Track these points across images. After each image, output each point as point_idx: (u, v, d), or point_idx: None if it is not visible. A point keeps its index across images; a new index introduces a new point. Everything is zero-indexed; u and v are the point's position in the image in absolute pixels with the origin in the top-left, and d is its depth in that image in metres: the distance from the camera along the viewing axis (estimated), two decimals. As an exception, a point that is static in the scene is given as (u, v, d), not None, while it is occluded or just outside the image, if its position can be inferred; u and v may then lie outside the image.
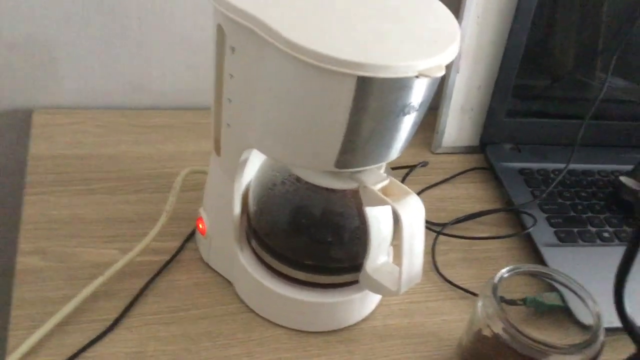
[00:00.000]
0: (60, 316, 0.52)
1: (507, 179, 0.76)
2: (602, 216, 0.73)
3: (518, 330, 0.46)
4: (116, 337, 0.53)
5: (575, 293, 0.51)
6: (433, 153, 0.82)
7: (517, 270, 0.51)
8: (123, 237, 0.62)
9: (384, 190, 0.47)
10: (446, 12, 0.46)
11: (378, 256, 0.52)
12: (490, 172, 0.79)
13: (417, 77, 0.40)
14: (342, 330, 0.57)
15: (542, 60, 0.79)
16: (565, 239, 0.69)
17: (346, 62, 0.38)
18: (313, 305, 0.55)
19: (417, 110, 0.44)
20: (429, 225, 0.69)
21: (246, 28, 0.41)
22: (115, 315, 0.54)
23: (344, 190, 0.51)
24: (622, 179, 0.47)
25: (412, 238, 0.47)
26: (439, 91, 0.77)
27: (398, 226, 0.47)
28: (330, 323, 0.56)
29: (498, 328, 0.48)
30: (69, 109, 0.78)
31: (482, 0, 0.73)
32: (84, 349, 0.51)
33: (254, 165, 0.56)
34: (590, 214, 0.73)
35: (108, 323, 0.54)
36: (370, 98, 0.40)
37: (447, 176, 0.78)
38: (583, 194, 0.76)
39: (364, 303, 0.57)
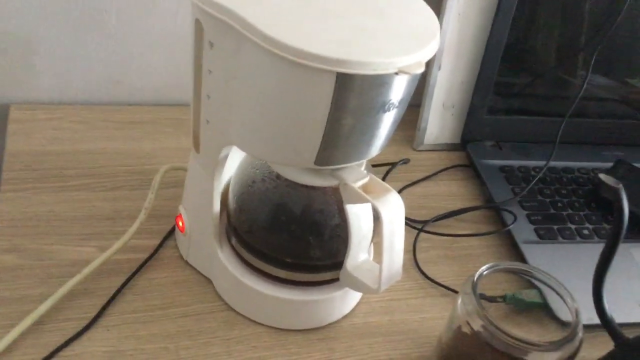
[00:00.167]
0: (37, 315, 0.51)
1: (488, 177, 0.76)
2: (581, 213, 0.73)
3: (497, 328, 0.46)
4: (94, 335, 0.52)
5: (555, 290, 0.51)
6: (415, 150, 0.82)
7: (497, 268, 0.51)
8: (101, 234, 0.61)
9: (364, 187, 0.47)
10: (426, 9, 0.46)
11: (358, 254, 0.52)
12: (471, 169, 0.79)
13: (396, 73, 0.39)
14: (322, 328, 0.57)
15: (523, 57, 0.79)
16: (545, 236, 0.69)
17: (325, 59, 0.38)
18: (293, 303, 0.54)
19: (397, 107, 0.44)
20: (410, 222, 0.69)
21: (224, 23, 0.40)
22: (93, 313, 0.54)
23: (324, 188, 0.51)
24: (601, 176, 0.47)
25: (393, 235, 0.47)
26: (421, 88, 0.77)
27: (378, 224, 0.47)
28: (311, 321, 0.56)
29: (477, 325, 0.48)
30: (46, 105, 0.77)
31: (463, -3, 0.73)
32: (61, 347, 0.51)
33: (234, 162, 0.55)
34: (570, 211, 0.73)
35: (86, 322, 0.53)
36: (350, 95, 0.40)
37: (429, 173, 0.78)
38: (563, 192, 0.76)
39: (344, 301, 0.57)
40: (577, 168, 0.81)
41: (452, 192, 0.76)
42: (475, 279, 0.50)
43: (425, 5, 0.46)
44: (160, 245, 0.61)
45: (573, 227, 0.71)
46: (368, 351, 0.55)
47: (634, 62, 0.83)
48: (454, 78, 0.78)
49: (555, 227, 0.70)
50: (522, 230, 0.69)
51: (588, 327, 0.52)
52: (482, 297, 0.52)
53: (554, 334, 0.52)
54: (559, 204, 0.74)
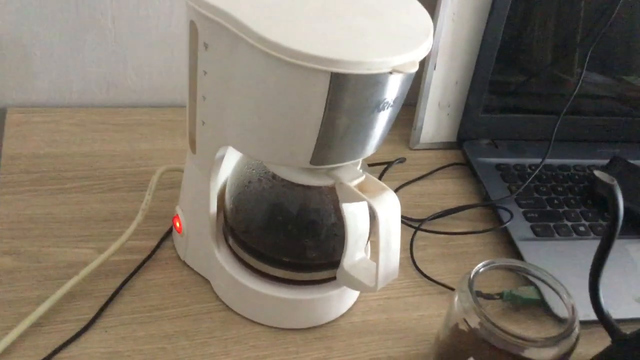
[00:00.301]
0: (35, 317, 0.52)
1: (484, 175, 0.76)
2: (577, 210, 0.74)
3: (494, 325, 0.47)
4: (92, 337, 0.52)
5: (551, 287, 0.51)
6: (411, 149, 0.82)
7: (493, 265, 0.52)
8: (98, 236, 0.61)
9: (360, 186, 0.47)
10: (419, 8, 0.46)
11: (355, 253, 0.52)
12: (467, 167, 0.79)
13: (391, 73, 0.40)
14: (320, 327, 0.57)
15: (518, 56, 0.80)
16: (541, 233, 0.69)
17: (319, 59, 0.38)
18: (291, 303, 0.54)
19: (392, 106, 0.44)
20: (407, 221, 0.69)
21: (218, 24, 0.41)
22: (90, 315, 0.54)
23: (320, 187, 0.51)
24: (596, 173, 0.47)
25: (389, 234, 0.47)
26: (416, 88, 0.78)
27: (375, 222, 0.47)
28: (308, 320, 0.56)
29: (474, 322, 0.48)
30: (43, 108, 0.77)
31: (458, -4, 0.73)
32: (59, 349, 0.51)
33: (230, 162, 0.56)
34: (566, 208, 0.74)
35: (83, 323, 0.53)
36: (345, 94, 0.40)
37: (425, 172, 0.78)
38: (559, 189, 0.76)
39: (341, 299, 0.57)
40: (573, 165, 0.81)
41: (448, 191, 0.76)
42: (471, 276, 0.50)
43: (418, 4, 0.46)
44: (158, 246, 0.61)
45: (569, 224, 0.71)
46: (366, 349, 0.56)
47: (630, 59, 0.84)
48: (449, 77, 0.78)
49: (552, 224, 0.71)
50: (519, 227, 0.69)
51: (585, 323, 0.52)
52: (479, 294, 0.52)
53: (551, 331, 0.52)
54: (555, 201, 0.74)
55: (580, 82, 0.75)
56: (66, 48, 0.74)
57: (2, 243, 0.59)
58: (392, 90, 0.42)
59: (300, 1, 0.43)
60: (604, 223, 0.72)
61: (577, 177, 0.79)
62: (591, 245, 0.53)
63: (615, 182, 0.46)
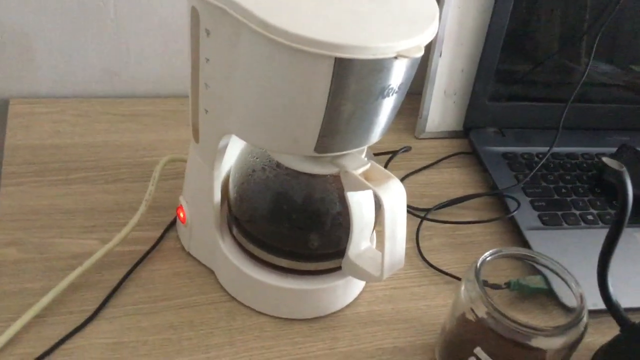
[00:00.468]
0: (39, 308, 0.51)
1: (490, 163, 0.75)
2: (585, 199, 0.73)
3: (501, 314, 0.46)
4: (96, 328, 0.52)
5: (559, 276, 0.51)
6: (417, 138, 0.81)
7: (500, 254, 0.51)
8: (102, 227, 0.61)
9: (365, 174, 0.47)
10: (425, -7, 0.45)
11: (361, 242, 0.51)
12: (474, 156, 0.78)
13: (395, 58, 0.39)
14: (326, 317, 0.56)
15: (524, 43, 0.79)
16: (549, 222, 0.68)
17: (323, 44, 0.38)
18: (296, 293, 0.54)
19: (397, 93, 0.43)
20: (413, 210, 0.69)
21: (220, 9, 0.40)
22: (95, 306, 0.53)
23: (325, 176, 0.51)
24: (605, 160, 0.46)
25: (395, 222, 0.47)
26: (422, 76, 0.77)
27: (380, 211, 0.46)
28: (314, 310, 0.56)
29: (481, 312, 0.47)
30: (45, 99, 0.76)
31: (463, -17, 0.72)
32: (63, 340, 0.51)
33: (234, 151, 0.55)
34: (574, 197, 0.73)
35: (88, 314, 0.53)
36: (349, 80, 0.40)
37: (431, 161, 0.77)
38: (567, 177, 0.76)
39: (347, 290, 0.57)
40: (581, 153, 0.80)
41: (454, 180, 0.76)
42: (478, 265, 0.49)
43: (424, -11, 0.46)
44: (162, 237, 0.60)
45: (577, 212, 0.71)
46: (372, 340, 0.55)
47: (637, 47, 0.83)
48: (455, 65, 0.77)
49: (560, 213, 0.70)
50: (526, 216, 0.69)
51: (593, 313, 0.51)
52: (486, 283, 0.52)
53: (559, 320, 0.51)
54: (563, 190, 0.73)
55: (588, 70, 0.74)
56: (68, 38, 0.74)
57: (6, 234, 0.58)
58: (397, 76, 0.41)
59: (303, -14, 0.42)
60: (613, 211, 0.71)
61: (585, 165, 0.78)
62: (599, 234, 0.52)
63: (624, 169, 0.46)
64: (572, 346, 0.47)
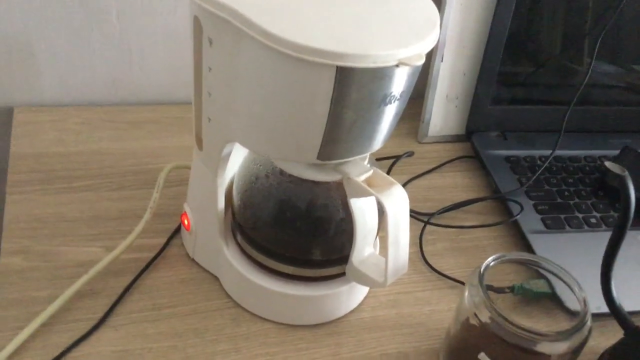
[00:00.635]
0: (45, 316, 0.52)
1: (493, 167, 0.75)
2: (588, 202, 0.73)
3: (505, 319, 0.46)
4: (102, 335, 0.52)
5: (562, 280, 0.51)
6: (419, 143, 0.81)
7: (504, 258, 0.51)
8: (107, 234, 0.61)
9: (368, 181, 0.47)
10: (426, 0, 0.45)
11: (364, 248, 0.51)
12: (476, 160, 0.78)
13: (397, 66, 0.39)
14: (330, 323, 0.57)
15: (526, 46, 0.79)
16: (552, 225, 0.68)
17: (325, 53, 0.38)
18: (300, 299, 0.54)
19: (398, 100, 0.43)
20: (416, 215, 0.69)
21: (222, 19, 0.40)
22: (100, 313, 0.54)
23: (328, 183, 0.51)
24: (608, 164, 0.46)
25: (397, 228, 0.47)
26: (424, 80, 0.77)
27: (383, 217, 0.46)
28: (318, 316, 0.56)
29: (485, 317, 0.47)
30: (50, 107, 0.77)
31: (464, -13, 0.73)
32: (69, 348, 0.51)
33: (237, 159, 0.55)
34: (577, 200, 0.73)
35: (94, 322, 0.53)
36: (351, 88, 0.40)
37: (434, 166, 0.78)
38: (569, 180, 0.76)
39: (351, 295, 0.57)
40: (584, 156, 0.80)
41: (457, 184, 0.76)
42: (482, 270, 0.50)
43: (424, -5, 0.46)
44: (167, 244, 0.61)
45: (580, 216, 0.71)
46: (376, 345, 0.55)
47: None
48: (456, 69, 0.78)
49: (563, 216, 0.70)
50: (529, 220, 0.69)
51: (597, 316, 0.51)
52: (490, 288, 0.52)
53: (563, 324, 0.51)
54: (566, 193, 0.74)
55: (590, 71, 0.74)
56: (72, 46, 0.74)
57: (12, 243, 0.59)
58: (399, 83, 0.42)
59: (305, -5, 0.42)
60: (616, 214, 0.71)
61: (587, 168, 0.78)
62: (602, 237, 0.52)
63: (626, 173, 0.46)
64: (576, 350, 0.47)
